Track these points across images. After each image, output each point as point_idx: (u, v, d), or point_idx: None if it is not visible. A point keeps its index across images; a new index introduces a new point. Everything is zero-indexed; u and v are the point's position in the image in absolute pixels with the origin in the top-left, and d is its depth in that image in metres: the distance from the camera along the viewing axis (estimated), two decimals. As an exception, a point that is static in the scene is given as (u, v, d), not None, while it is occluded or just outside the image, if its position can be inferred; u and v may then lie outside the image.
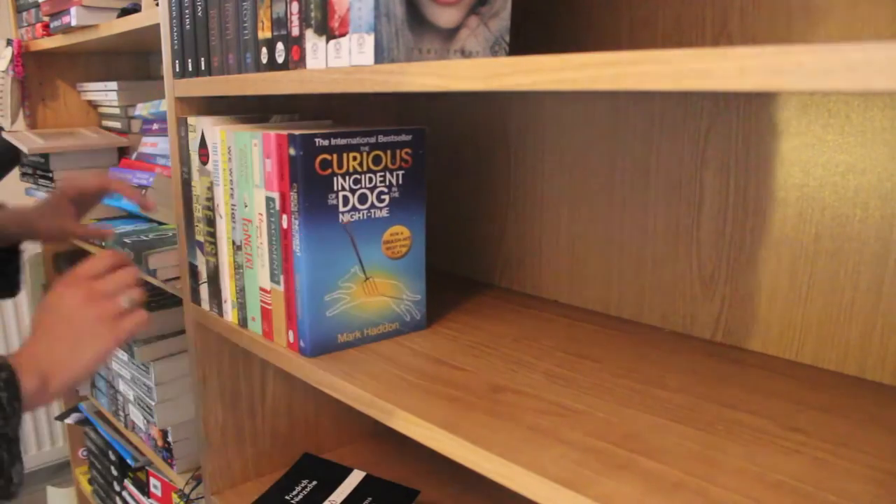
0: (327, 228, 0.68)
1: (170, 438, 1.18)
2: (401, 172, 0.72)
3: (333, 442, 1.08)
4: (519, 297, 0.90)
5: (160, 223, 1.24)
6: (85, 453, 1.81)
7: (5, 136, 1.44)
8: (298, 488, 0.90)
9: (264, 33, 0.67)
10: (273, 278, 0.72)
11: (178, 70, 0.83)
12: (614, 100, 0.77)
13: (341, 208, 0.69)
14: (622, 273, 0.80)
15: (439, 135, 1.00)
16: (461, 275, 1.01)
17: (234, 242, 0.78)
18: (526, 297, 0.90)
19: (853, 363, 0.62)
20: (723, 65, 0.33)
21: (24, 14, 1.49)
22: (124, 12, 1.12)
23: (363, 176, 0.70)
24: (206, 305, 0.86)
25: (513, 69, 0.44)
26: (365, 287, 0.72)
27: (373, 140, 0.69)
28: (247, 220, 0.75)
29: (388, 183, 0.71)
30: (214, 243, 0.81)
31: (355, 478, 0.92)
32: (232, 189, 0.76)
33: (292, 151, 0.66)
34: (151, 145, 1.27)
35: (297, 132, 0.66)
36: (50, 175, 1.42)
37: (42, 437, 2.17)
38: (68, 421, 1.61)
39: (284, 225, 0.69)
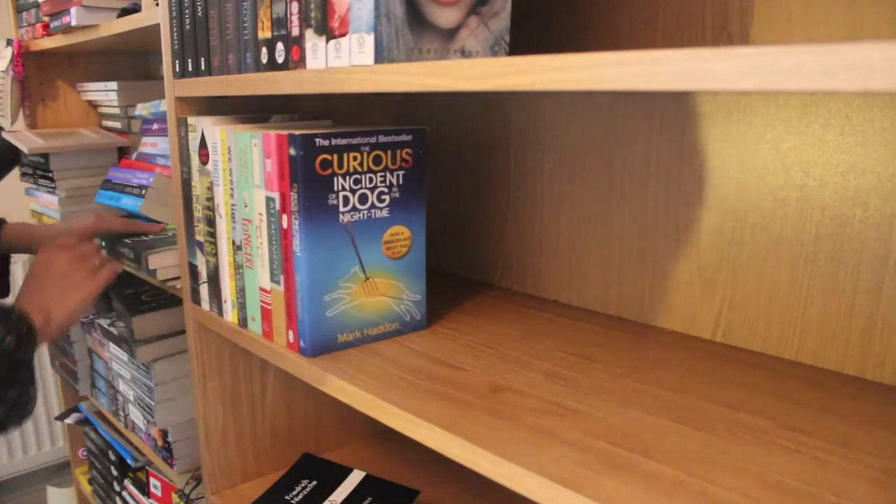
0: (327, 228, 0.68)
1: (170, 438, 1.18)
2: (401, 172, 0.72)
3: (333, 442, 1.08)
4: (519, 297, 0.90)
5: (160, 223, 1.24)
6: (85, 453, 1.81)
7: (5, 136, 1.44)
8: (298, 488, 0.90)
9: (264, 33, 0.67)
10: (273, 278, 0.72)
11: (178, 70, 0.83)
12: (614, 99, 0.77)
13: (341, 208, 0.69)
14: (622, 273, 0.80)
15: (439, 135, 1.00)
16: (461, 275, 1.01)
17: (234, 242, 0.78)
18: (526, 297, 0.90)
19: (853, 363, 0.62)
20: (723, 65, 0.33)
21: (24, 14, 1.49)
22: (124, 12, 1.12)
23: (363, 176, 0.70)
24: (206, 305, 0.86)
25: (513, 69, 0.44)
26: (365, 287, 0.72)
27: (373, 140, 0.69)
28: (247, 220, 0.75)
29: (388, 183, 0.71)
30: (214, 243, 0.81)
31: (355, 478, 0.92)
32: (232, 189, 0.76)
33: (292, 151, 0.66)
34: (151, 145, 1.27)
35: (297, 132, 0.66)
36: (50, 175, 1.42)
37: (42, 437, 2.17)
38: (68, 421, 1.61)
39: (284, 225, 0.69)
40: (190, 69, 0.80)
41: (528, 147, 0.88)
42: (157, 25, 0.89)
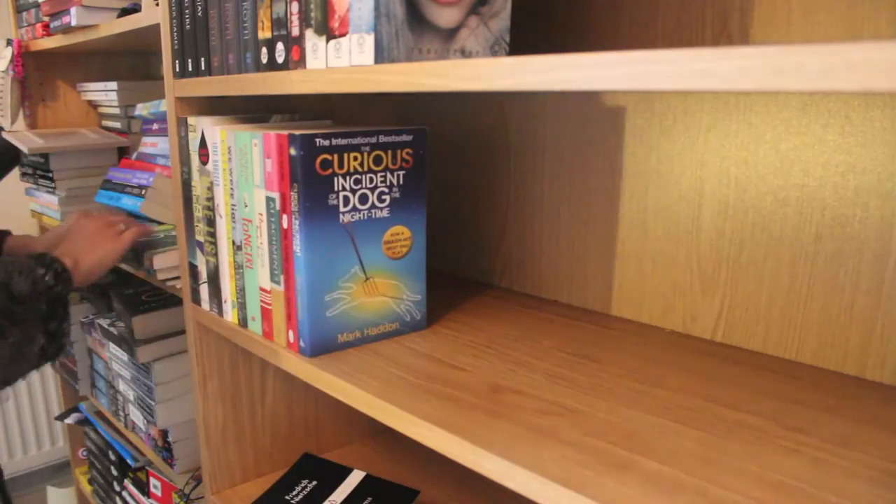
0: (328, 228, 0.68)
1: (170, 438, 1.18)
2: (402, 173, 0.72)
3: (333, 442, 1.08)
4: (519, 297, 0.90)
5: (160, 223, 1.24)
6: (85, 453, 1.81)
7: (5, 136, 1.44)
8: (298, 488, 0.90)
9: (264, 33, 0.67)
10: (273, 278, 0.72)
11: (178, 70, 0.83)
12: (614, 99, 0.77)
13: (342, 208, 0.69)
14: (622, 273, 0.80)
15: (439, 135, 1.00)
16: (461, 275, 1.01)
17: (234, 242, 0.78)
18: (526, 297, 0.90)
19: (853, 363, 0.62)
20: (723, 65, 0.33)
21: (24, 14, 1.49)
22: (124, 12, 1.12)
23: (364, 176, 0.70)
24: (206, 305, 0.86)
25: (513, 69, 0.44)
26: (365, 287, 0.72)
27: (373, 140, 0.69)
28: (247, 220, 0.75)
29: (388, 183, 0.71)
30: (214, 243, 0.81)
31: (355, 478, 0.92)
32: (232, 189, 0.76)
33: (293, 151, 0.66)
34: (151, 145, 1.27)
35: (297, 132, 0.66)
36: (50, 175, 1.42)
37: (42, 437, 2.17)
38: (68, 421, 1.61)
39: (284, 225, 0.69)
40: (190, 69, 0.80)
41: (528, 147, 0.88)
42: (157, 25, 0.89)
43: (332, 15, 0.58)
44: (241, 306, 0.79)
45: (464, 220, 0.99)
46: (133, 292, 1.28)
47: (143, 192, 1.15)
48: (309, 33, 0.61)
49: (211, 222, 0.81)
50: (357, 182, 0.69)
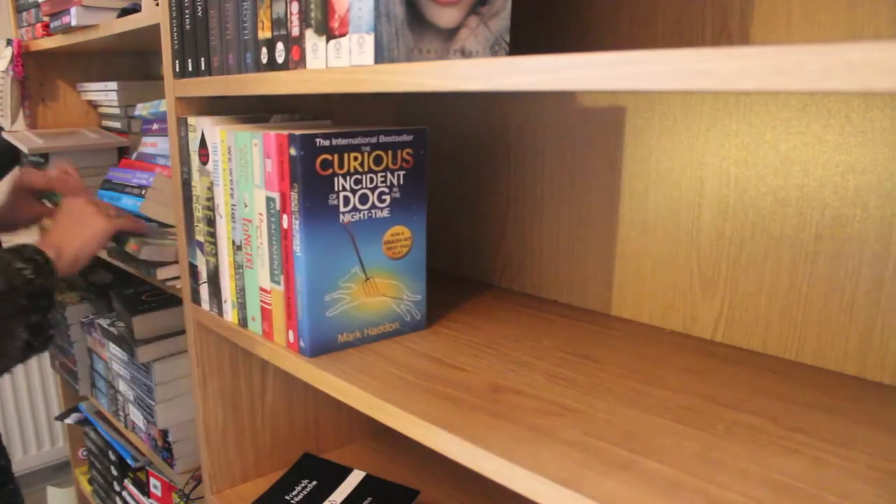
0: (328, 228, 0.68)
1: (170, 438, 1.18)
2: (402, 173, 0.72)
3: (333, 442, 1.08)
4: (519, 297, 0.90)
5: (160, 223, 1.24)
6: (85, 453, 1.81)
7: (5, 136, 1.44)
8: (298, 488, 0.90)
9: (264, 33, 0.67)
10: (273, 278, 0.72)
11: (178, 70, 0.83)
12: (614, 99, 0.77)
13: (342, 208, 0.69)
14: (622, 273, 0.80)
15: (439, 135, 1.00)
16: (461, 275, 1.01)
17: (234, 242, 0.78)
18: (526, 297, 0.90)
19: (853, 363, 0.62)
20: (723, 65, 0.33)
21: (24, 14, 1.49)
22: (124, 12, 1.12)
23: (364, 176, 0.70)
24: (206, 305, 0.86)
25: (513, 69, 0.44)
26: (365, 287, 0.72)
27: (374, 140, 0.69)
28: (247, 220, 0.75)
29: (389, 183, 0.71)
30: (214, 243, 0.81)
31: (355, 478, 0.92)
32: (232, 189, 0.76)
33: (293, 151, 0.66)
34: (151, 145, 1.27)
35: (297, 132, 0.66)
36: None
37: (42, 437, 2.17)
38: (68, 421, 1.61)
39: (285, 225, 0.69)
40: (190, 69, 0.80)
41: (528, 147, 0.88)
42: (157, 25, 0.89)
43: (332, 15, 0.58)
44: (241, 306, 0.79)
45: (464, 220, 0.99)
46: (133, 292, 1.28)
47: (143, 192, 1.15)
48: (309, 33, 0.61)
49: (211, 222, 0.81)
50: (357, 182, 0.69)
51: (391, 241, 0.73)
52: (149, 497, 1.36)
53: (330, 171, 0.67)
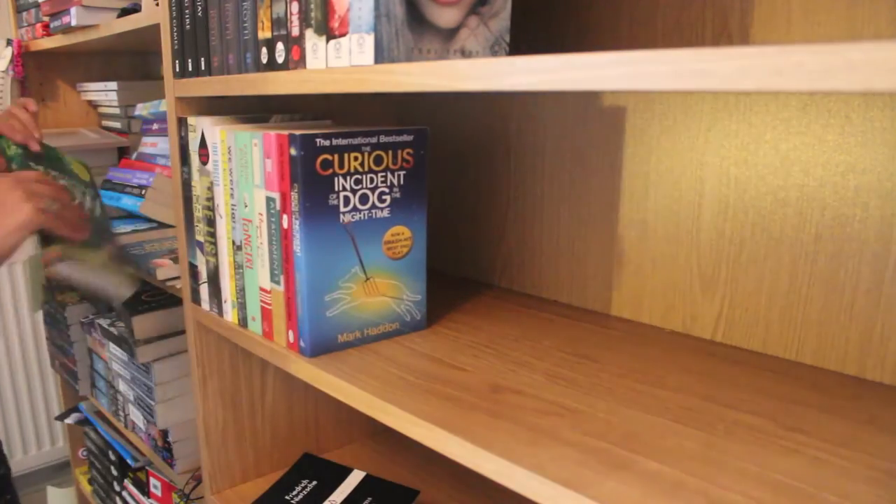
0: (328, 229, 0.68)
1: (170, 438, 1.18)
2: (402, 173, 0.72)
3: (333, 442, 1.08)
4: (519, 297, 0.90)
5: (161, 223, 1.24)
6: (85, 453, 1.81)
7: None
8: (298, 488, 0.90)
9: (264, 33, 0.67)
10: (273, 278, 0.72)
11: (178, 70, 0.83)
12: (614, 99, 0.77)
13: (342, 208, 0.69)
14: (622, 273, 0.80)
15: (439, 135, 1.00)
16: (461, 275, 1.01)
17: (234, 242, 0.78)
18: (526, 297, 0.90)
19: (853, 363, 0.63)
20: (723, 65, 0.33)
21: (24, 14, 1.49)
22: (124, 12, 1.12)
23: (364, 176, 0.70)
24: (206, 305, 0.86)
25: (513, 69, 0.44)
26: (365, 287, 0.72)
27: (374, 140, 0.69)
28: (247, 220, 0.75)
29: (389, 183, 0.71)
30: (214, 243, 0.82)
31: (355, 478, 0.92)
32: (232, 189, 0.76)
33: (293, 151, 0.66)
34: (151, 145, 1.27)
35: (297, 132, 0.66)
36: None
37: (42, 437, 2.17)
38: (68, 421, 1.61)
39: (285, 225, 0.69)
40: (190, 69, 0.80)
41: (528, 147, 0.88)
42: (157, 25, 0.89)
43: (332, 15, 0.58)
44: (241, 306, 0.79)
45: (464, 220, 0.99)
46: (133, 292, 1.28)
47: (143, 192, 1.15)
48: (309, 33, 0.61)
49: (211, 222, 0.81)
50: (357, 182, 0.69)
51: (391, 241, 0.73)
52: (149, 497, 1.36)
53: (330, 171, 0.67)
